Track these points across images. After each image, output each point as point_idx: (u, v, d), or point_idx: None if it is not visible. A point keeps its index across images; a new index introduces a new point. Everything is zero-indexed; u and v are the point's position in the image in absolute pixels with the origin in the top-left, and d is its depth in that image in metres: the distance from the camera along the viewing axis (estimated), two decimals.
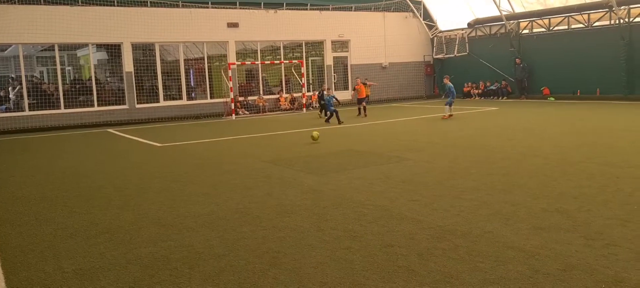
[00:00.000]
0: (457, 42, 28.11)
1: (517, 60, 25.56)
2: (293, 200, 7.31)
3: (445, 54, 28.96)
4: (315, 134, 13.33)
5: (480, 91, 27.42)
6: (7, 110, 20.77)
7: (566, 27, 24.07)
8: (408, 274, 4.46)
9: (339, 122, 17.01)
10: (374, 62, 27.94)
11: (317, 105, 23.08)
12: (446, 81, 19.12)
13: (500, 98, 26.13)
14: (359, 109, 20.47)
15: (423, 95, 29.74)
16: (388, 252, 5.01)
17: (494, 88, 26.86)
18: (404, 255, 4.92)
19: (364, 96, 20.75)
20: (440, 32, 29.38)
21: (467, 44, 27.84)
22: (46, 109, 20.57)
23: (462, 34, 28.05)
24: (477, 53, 27.54)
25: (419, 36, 29.48)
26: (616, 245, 4.90)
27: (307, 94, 25.17)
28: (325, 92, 19.07)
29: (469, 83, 27.94)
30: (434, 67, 29.96)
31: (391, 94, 28.35)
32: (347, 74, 27.79)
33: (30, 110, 20.40)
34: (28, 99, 20.55)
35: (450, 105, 18.33)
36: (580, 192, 6.99)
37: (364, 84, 21.46)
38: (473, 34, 28.08)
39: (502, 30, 26.48)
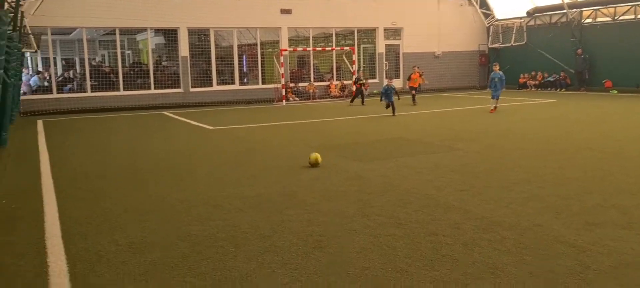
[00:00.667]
0: (514, 31, 27.24)
1: (578, 51, 24.52)
2: (339, 185, 7.35)
3: (501, 44, 28.12)
4: (314, 157, 8.85)
5: (537, 83, 26.52)
6: (70, 90, 21.76)
7: (633, 16, 22.85)
8: (452, 263, 4.41)
9: (394, 114, 16.59)
10: (427, 51, 27.48)
11: (352, 91, 22.90)
12: (496, 69, 17.27)
13: (559, 90, 25.18)
14: (413, 96, 20.40)
15: (477, 85, 29.02)
16: (432, 241, 4.97)
17: (552, 79, 25.91)
18: (449, 244, 4.87)
19: (417, 85, 20.81)
20: (497, 20, 28.54)
21: (525, 33, 26.94)
22: (106, 91, 21.40)
23: (521, 22, 27.15)
24: (535, 43, 26.60)
25: (474, 24, 28.74)
26: None
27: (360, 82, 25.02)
28: (387, 82, 18.48)
29: (526, 74, 27.06)
30: (488, 57, 29.16)
31: (443, 84, 27.82)
32: (399, 63, 27.47)
33: (92, 92, 21.28)
34: (90, 80, 21.44)
35: (496, 98, 16.69)
36: (639, 188, 6.68)
37: (420, 74, 21.53)
38: (532, 22, 27.12)
39: (563, 19, 25.44)
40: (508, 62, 28.20)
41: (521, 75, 27.10)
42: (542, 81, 26.27)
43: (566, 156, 9.08)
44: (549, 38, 26.12)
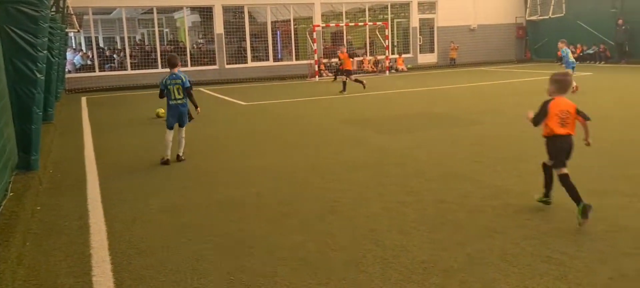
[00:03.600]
0: (553, 3, 26.58)
1: (619, 21, 23.80)
2: (360, 157, 7.69)
3: (540, 16, 27.52)
4: (161, 111, 11.49)
5: (575, 55, 25.90)
6: (111, 68, 22.66)
7: None
8: (454, 227, 4.72)
9: None
10: (462, 24, 27.19)
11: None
12: (561, 45, 15.86)
13: (598, 63, 24.58)
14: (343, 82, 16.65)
15: (513, 59, 28.59)
16: (439, 207, 5.28)
17: (591, 52, 25.29)
18: (454, 210, 5.17)
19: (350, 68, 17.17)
20: None
21: (563, 5, 26.26)
22: (146, 68, 22.18)
23: None
24: (574, 14, 25.92)
25: None
26: None
27: (391, 57, 25.10)
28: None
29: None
30: (526, 30, 28.62)
31: (479, 58, 27.52)
32: (433, 37, 27.30)
33: (132, 69, 22.12)
34: (130, 58, 22.28)
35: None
36: None
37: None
38: None
39: None
40: (546, 35, 27.66)
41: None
42: (582, 54, 25.67)
43: (591, 129, 9.12)
44: (588, 9, 25.41)
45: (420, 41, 26.97)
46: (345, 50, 17.41)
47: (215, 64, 23.20)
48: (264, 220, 5.10)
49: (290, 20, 24.54)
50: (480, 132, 9.29)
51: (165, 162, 7.67)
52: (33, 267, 4.21)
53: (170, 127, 7.87)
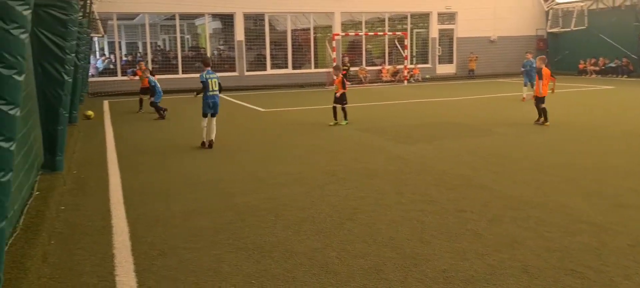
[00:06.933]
0: (575, 15, 26.33)
1: None
2: (378, 165, 7.70)
3: (561, 28, 27.28)
4: (90, 113, 13.78)
5: (597, 69, 25.63)
6: (133, 73, 22.97)
7: None
8: (474, 237, 4.71)
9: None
10: (482, 35, 27.06)
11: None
12: (528, 57, 16.52)
13: (620, 77, 24.25)
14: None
15: None
16: (459, 217, 5.27)
17: (613, 65, 24.98)
18: (474, 220, 5.15)
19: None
20: (557, 4, 27.65)
21: (586, 17, 26.01)
22: (167, 74, 22.43)
23: (582, 6, 26.22)
24: (596, 27, 25.65)
25: (532, 8, 28.00)
26: None
27: (409, 66, 25.08)
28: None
29: (586, 60, 26.20)
30: (547, 42, 28.38)
31: (499, 69, 27.33)
32: (453, 47, 27.21)
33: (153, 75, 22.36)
34: (152, 64, 22.56)
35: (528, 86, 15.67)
36: None
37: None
38: (594, 6, 26.16)
39: (627, 2, 24.41)
40: (567, 48, 27.44)
41: (581, 61, 26.27)
42: (604, 67, 25.37)
43: (612, 142, 9.04)
44: (611, 22, 25.14)
45: (439, 52, 26.89)
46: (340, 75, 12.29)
47: (235, 71, 23.39)
48: (283, 226, 5.14)
49: (310, 29, 24.67)
50: (499, 142, 9.24)
51: (209, 145, 9.26)
52: (57, 265, 4.29)
53: (206, 115, 9.32)
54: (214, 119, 9.38)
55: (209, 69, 9.41)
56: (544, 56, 11.99)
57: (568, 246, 4.42)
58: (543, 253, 4.28)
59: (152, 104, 13.76)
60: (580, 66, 26.36)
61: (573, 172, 6.96)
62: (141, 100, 15.18)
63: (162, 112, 13.65)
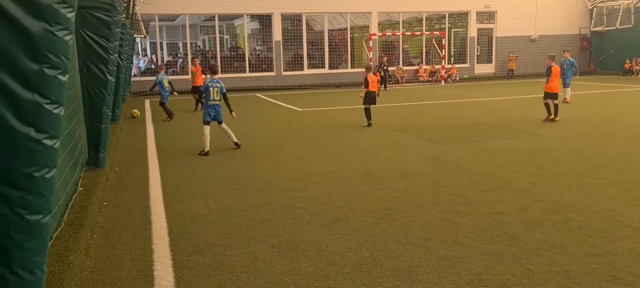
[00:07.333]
0: (620, 13, 25.50)
1: None
2: (413, 166, 7.64)
3: (606, 27, 26.43)
4: (136, 112, 14.24)
5: None
6: (173, 73, 23.48)
7: None
8: (511, 240, 4.62)
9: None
10: (522, 35, 26.48)
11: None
12: (566, 55, 15.69)
13: None
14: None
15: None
16: (496, 219, 5.18)
17: None
18: (512, 223, 5.06)
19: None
20: (602, 2, 26.82)
21: (632, 15, 25.12)
22: (206, 73, 22.80)
23: (628, 3, 25.34)
24: None
25: (576, 6, 27.24)
26: None
27: (447, 66, 24.76)
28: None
29: (632, 59, 25.30)
30: (591, 41, 27.55)
31: (540, 69, 26.63)
32: (492, 47, 26.73)
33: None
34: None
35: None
36: None
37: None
38: None
39: None
40: (612, 47, 26.59)
41: (627, 61, 25.39)
42: None
43: None
44: None
45: (477, 51, 26.46)
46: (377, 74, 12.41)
47: (272, 71, 23.61)
48: (317, 225, 5.16)
49: (346, 29, 24.66)
50: (538, 144, 9.03)
51: (205, 154, 8.83)
52: (99, 259, 4.43)
53: (207, 123, 9.08)
54: (223, 124, 9.29)
55: (215, 77, 9.25)
56: (553, 54, 12.37)
57: (611, 251, 4.29)
58: (584, 258, 4.17)
59: (161, 104, 13.84)
60: (626, 66, 25.49)
61: (616, 175, 6.74)
62: (197, 101, 15.27)
63: (169, 113, 13.67)
